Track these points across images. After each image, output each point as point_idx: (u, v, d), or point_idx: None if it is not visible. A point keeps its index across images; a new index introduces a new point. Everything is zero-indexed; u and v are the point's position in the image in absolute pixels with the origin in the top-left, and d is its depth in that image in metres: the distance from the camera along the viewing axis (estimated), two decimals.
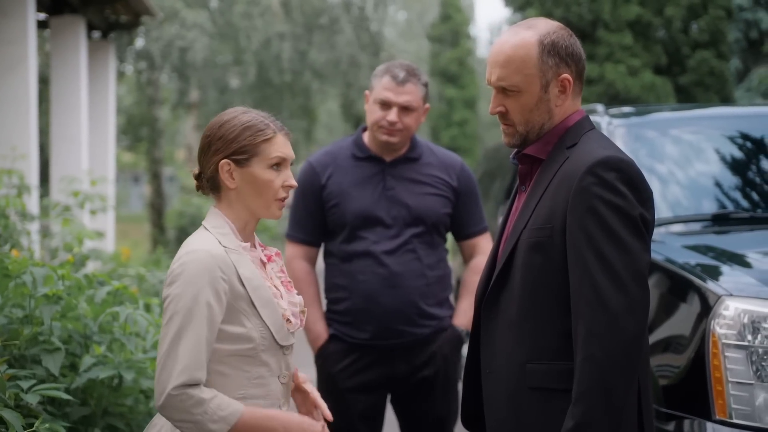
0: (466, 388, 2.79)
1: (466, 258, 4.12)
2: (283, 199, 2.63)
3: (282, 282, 2.68)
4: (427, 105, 3.96)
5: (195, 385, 2.42)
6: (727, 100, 15.31)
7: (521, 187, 2.71)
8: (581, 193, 2.44)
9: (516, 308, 2.54)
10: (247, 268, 2.55)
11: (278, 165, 2.60)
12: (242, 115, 2.61)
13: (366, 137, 3.98)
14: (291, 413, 2.59)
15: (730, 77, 15.64)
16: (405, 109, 3.84)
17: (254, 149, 2.56)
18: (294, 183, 2.63)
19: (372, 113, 3.88)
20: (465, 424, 2.85)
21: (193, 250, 2.49)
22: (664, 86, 15.18)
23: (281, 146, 2.60)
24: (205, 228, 2.59)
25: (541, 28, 2.59)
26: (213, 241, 2.53)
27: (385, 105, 3.84)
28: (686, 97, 15.48)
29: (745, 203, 4.55)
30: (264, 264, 2.66)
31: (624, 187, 2.44)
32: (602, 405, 2.37)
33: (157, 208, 19.53)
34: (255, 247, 2.67)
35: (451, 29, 28.22)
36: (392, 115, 3.82)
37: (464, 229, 4.04)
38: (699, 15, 15.65)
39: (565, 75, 2.57)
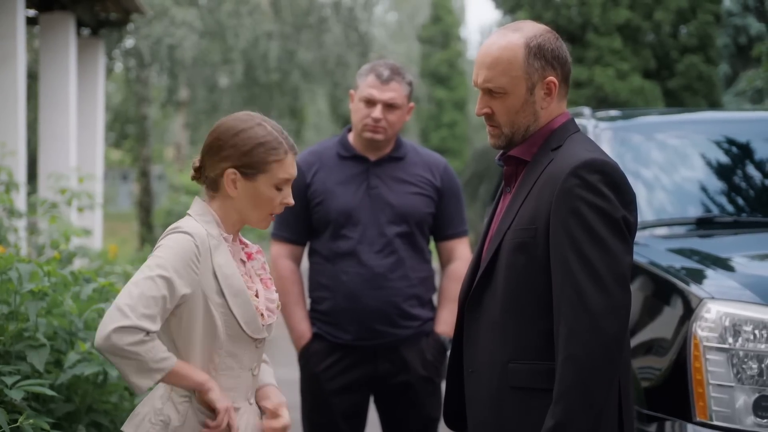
0: (449, 387, 2.81)
1: (443, 262, 4.12)
2: (274, 215, 2.66)
3: (262, 279, 2.71)
4: (412, 103, 3.98)
5: (140, 329, 2.43)
6: (715, 104, 15.38)
7: (506, 188, 2.73)
8: (565, 194, 2.46)
9: (499, 308, 2.56)
10: (223, 256, 2.58)
11: (282, 185, 2.62)
12: (258, 127, 2.61)
13: (351, 137, 4.00)
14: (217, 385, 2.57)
15: (718, 82, 15.72)
16: (389, 106, 3.86)
17: (264, 167, 2.58)
18: (291, 202, 2.66)
19: (357, 111, 3.90)
20: (448, 424, 2.87)
21: (179, 227, 2.55)
22: (653, 90, 15.24)
23: (289, 167, 2.62)
24: (190, 216, 2.62)
25: (527, 30, 2.61)
26: (198, 226, 2.57)
27: (370, 102, 3.86)
28: (674, 101, 15.55)
29: (729, 207, 4.58)
30: (244, 262, 2.68)
31: (607, 189, 2.46)
32: (582, 404, 2.39)
33: (145, 206, 19.49)
34: (236, 242, 2.70)
35: (441, 31, 28.30)
36: (377, 112, 3.84)
37: (444, 229, 4.04)
38: (688, 20, 15.72)
39: (551, 78, 2.59)
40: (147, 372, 2.45)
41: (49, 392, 3.15)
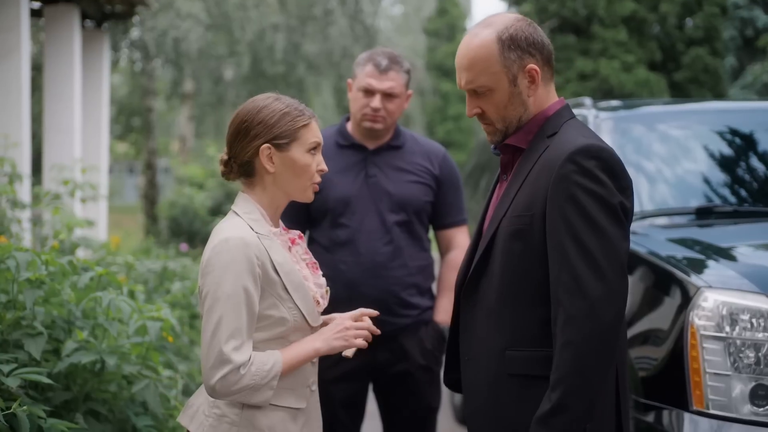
0: (448, 352, 2.82)
1: (442, 251, 4.12)
2: (316, 183, 2.70)
3: (307, 264, 2.73)
4: (410, 91, 3.99)
5: (237, 367, 2.49)
6: (721, 97, 15.36)
7: (503, 176, 2.73)
8: (561, 180, 2.46)
9: (495, 295, 2.56)
10: (279, 253, 2.60)
11: (314, 149, 2.66)
12: (276, 101, 2.66)
13: (349, 126, 4.01)
14: (318, 333, 2.65)
15: (724, 74, 15.69)
16: (388, 95, 3.88)
17: (294, 134, 2.62)
18: (325, 168, 2.71)
19: (355, 101, 3.91)
20: (447, 383, 2.87)
21: (228, 237, 2.53)
22: (658, 83, 15.22)
23: (316, 131, 2.68)
24: (236, 213, 2.63)
25: (498, 24, 2.61)
26: (245, 228, 2.57)
27: (369, 92, 3.87)
28: (680, 94, 15.54)
29: (729, 197, 4.57)
30: (289, 248, 2.70)
31: (604, 175, 2.46)
32: (578, 390, 2.39)
33: (150, 198, 19.52)
34: (281, 230, 2.71)
35: (447, 23, 28.27)
36: (375, 101, 3.85)
37: (443, 218, 4.04)
38: (694, 12, 15.70)
39: (531, 65, 2.59)
40: (262, 389, 2.53)
41: (46, 380, 3.16)
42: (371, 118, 3.87)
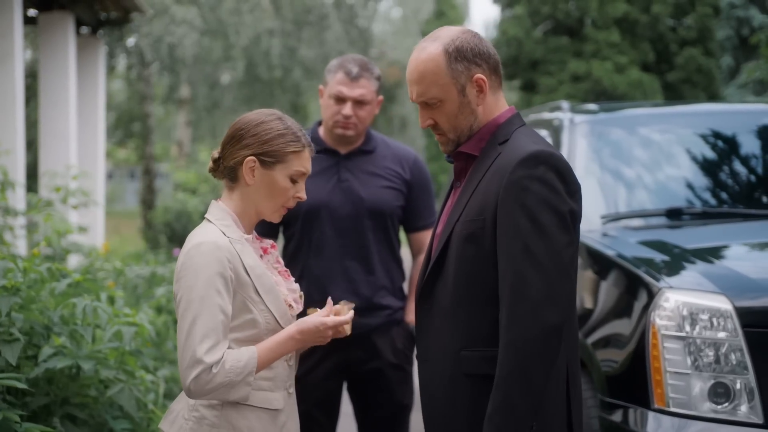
0: None
1: (414, 253, 4.19)
2: (288, 208, 2.76)
3: (279, 272, 2.79)
4: (380, 97, 4.07)
5: (208, 366, 2.53)
6: (714, 97, 15.37)
7: (456, 182, 2.80)
8: (511, 186, 2.53)
9: (450, 298, 2.63)
10: (251, 257, 2.66)
11: (298, 177, 2.72)
12: (278, 121, 2.72)
13: (321, 131, 4.08)
14: (295, 323, 2.68)
15: (717, 75, 15.70)
16: (359, 102, 3.95)
17: (282, 156, 2.68)
18: (304, 196, 2.77)
19: (327, 108, 3.98)
20: None
21: (201, 242, 2.60)
22: (652, 83, 15.24)
23: (305, 161, 2.73)
24: (209, 221, 2.70)
25: (444, 37, 2.69)
26: (217, 233, 2.64)
27: (340, 100, 3.94)
28: (674, 94, 15.54)
29: (708, 199, 4.61)
30: (261, 257, 2.77)
31: (553, 180, 2.52)
32: (521, 390, 2.45)
33: (148, 203, 19.59)
34: (254, 239, 2.78)
35: (444, 26, 28.27)
36: (347, 109, 3.93)
37: (414, 221, 4.11)
38: (686, 12, 15.72)
39: (478, 75, 2.66)
40: (238, 386, 2.57)
41: (21, 385, 3.20)
42: (343, 125, 3.95)
